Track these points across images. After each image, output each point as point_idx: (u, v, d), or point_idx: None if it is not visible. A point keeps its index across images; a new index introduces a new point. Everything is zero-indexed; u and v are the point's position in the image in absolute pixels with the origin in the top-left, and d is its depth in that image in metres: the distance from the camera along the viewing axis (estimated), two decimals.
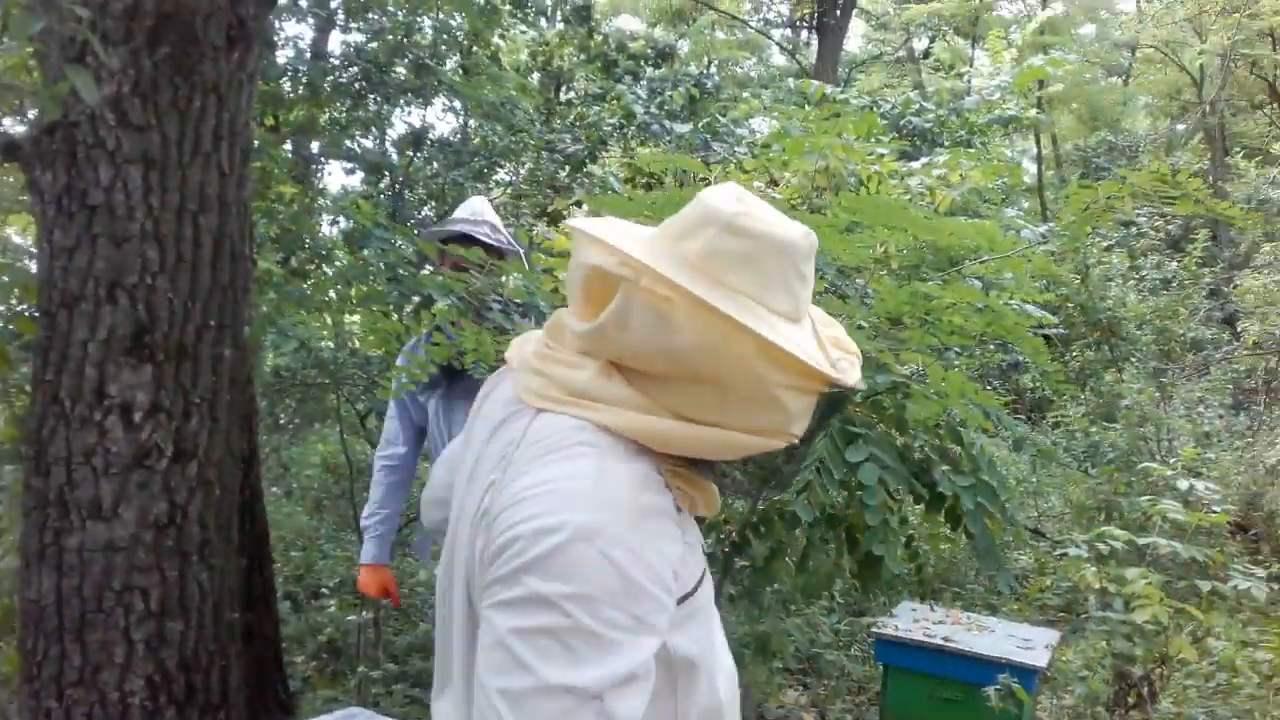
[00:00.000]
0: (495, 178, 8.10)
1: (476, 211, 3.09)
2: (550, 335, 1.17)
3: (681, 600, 1.11)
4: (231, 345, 1.99)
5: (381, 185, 7.31)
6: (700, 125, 4.74)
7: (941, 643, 3.35)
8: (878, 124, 3.40)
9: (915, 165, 4.15)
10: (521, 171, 8.28)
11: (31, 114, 2.31)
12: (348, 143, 6.10)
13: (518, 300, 2.67)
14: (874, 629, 3.66)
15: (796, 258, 1.10)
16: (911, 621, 3.62)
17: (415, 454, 3.29)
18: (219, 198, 1.95)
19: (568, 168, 6.86)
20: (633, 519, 1.05)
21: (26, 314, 2.03)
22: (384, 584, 3.23)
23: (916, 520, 3.06)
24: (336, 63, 5.20)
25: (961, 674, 3.27)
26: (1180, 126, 16.89)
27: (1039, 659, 3.27)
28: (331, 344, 4.91)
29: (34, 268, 1.95)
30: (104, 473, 1.84)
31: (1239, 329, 8.64)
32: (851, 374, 1.11)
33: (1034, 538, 6.78)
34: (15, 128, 2.36)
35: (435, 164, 6.16)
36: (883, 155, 3.74)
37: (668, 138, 5.08)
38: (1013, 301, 3.14)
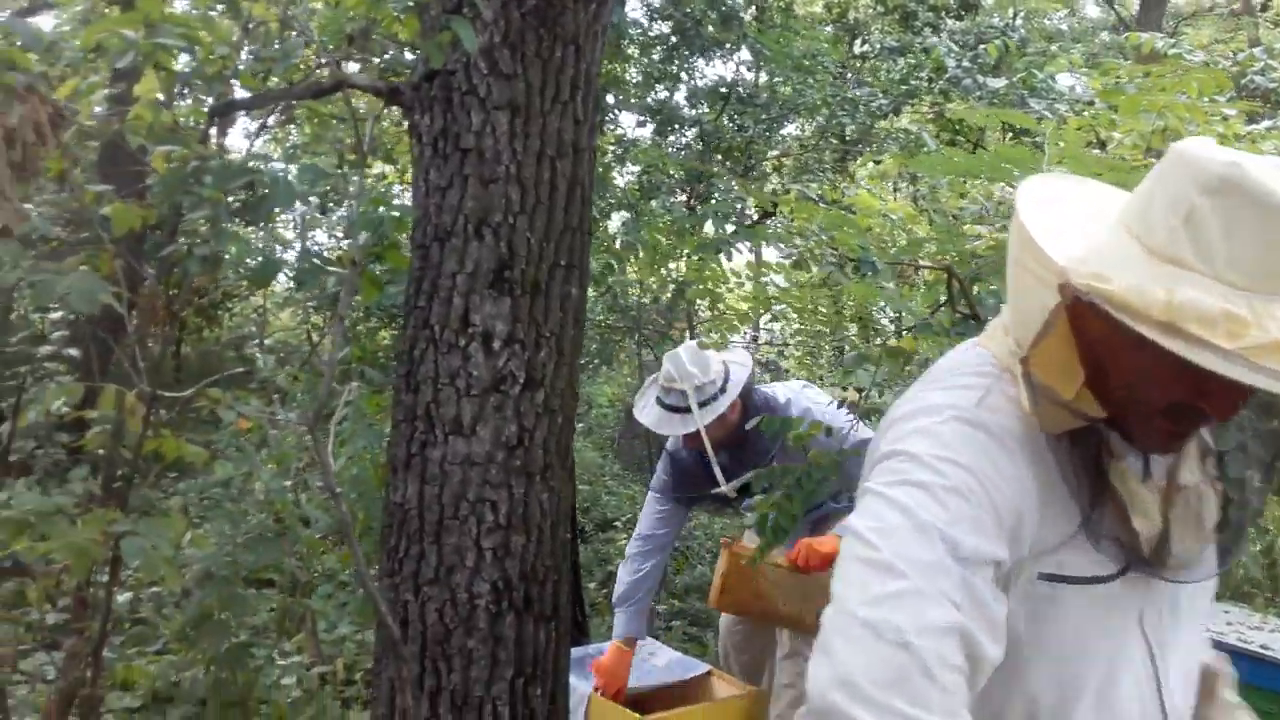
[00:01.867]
0: (784, 130, 8.10)
1: (679, 376, 3.25)
2: None
3: (1046, 579, 1.13)
4: (577, 284, 2.12)
5: (670, 139, 7.47)
6: (1016, 79, 4.54)
7: (1260, 650, 3.12)
8: (1226, 81, 3.13)
9: (1262, 127, 3.80)
10: (809, 127, 8.23)
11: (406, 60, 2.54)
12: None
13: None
14: None
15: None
16: (1225, 624, 3.39)
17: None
18: (573, 144, 2.07)
19: (860, 122, 6.75)
20: (1001, 437, 1.12)
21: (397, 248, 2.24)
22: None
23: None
24: (649, 15, 5.35)
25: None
26: None
27: None
28: (638, 290, 5.11)
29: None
30: (465, 394, 2.02)
31: None
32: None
33: None
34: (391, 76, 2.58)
35: (732, 117, 6.23)
36: (1228, 117, 3.45)
37: (979, 93, 4.90)
38: None
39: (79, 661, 2.51)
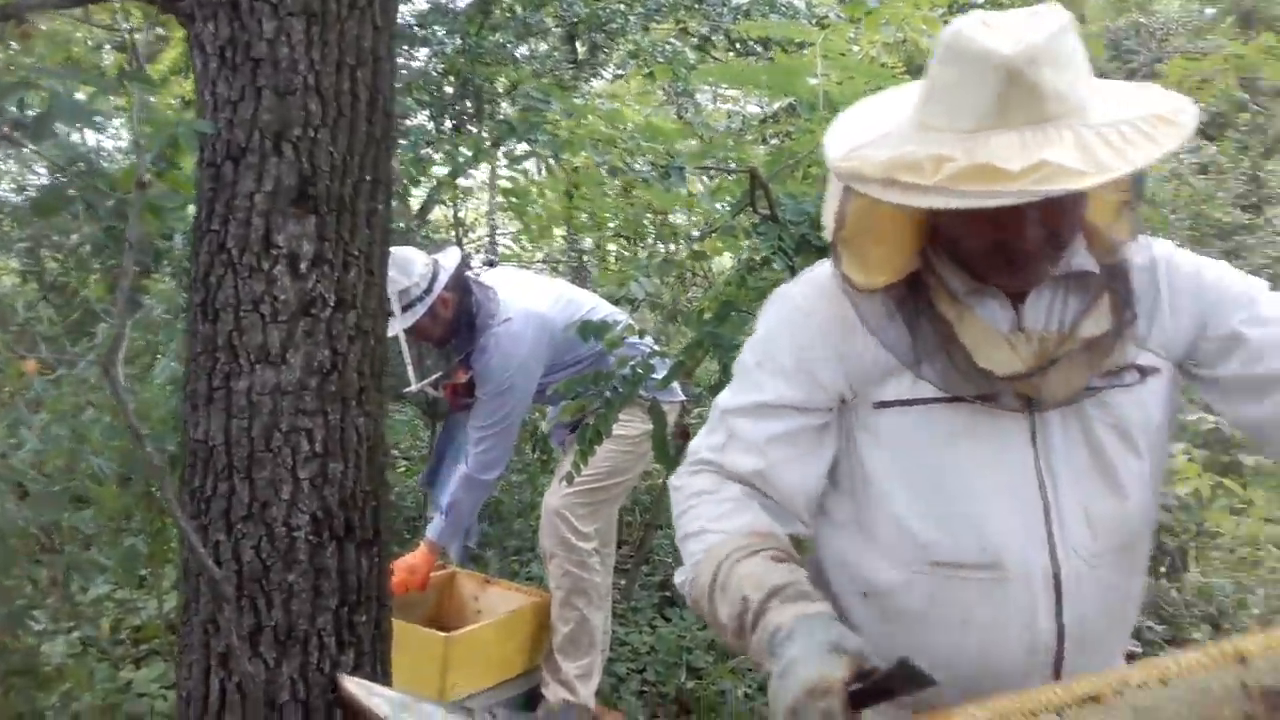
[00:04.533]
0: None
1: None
2: None
3: (887, 405, 1.38)
4: (384, 200, 2.05)
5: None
6: None
7: None
8: None
9: None
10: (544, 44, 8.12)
11: None
12: None
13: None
14: None
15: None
16: None
17: None
18: (372, 52, 1.98)
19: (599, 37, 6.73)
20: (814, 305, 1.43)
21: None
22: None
23: None
24: None
25: None
26: (1210, 11, 16.52)
27: None
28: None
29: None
30: (272, 320, 1.92)
31: (1267, 216, 8.65)
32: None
33: None
34: None
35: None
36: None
37: (723, 7, 5.03)
38: None
39: None
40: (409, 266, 3.41)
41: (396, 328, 3.36)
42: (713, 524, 1.37)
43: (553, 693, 3.57)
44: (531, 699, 3.66)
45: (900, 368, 1.36)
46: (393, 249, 3.49)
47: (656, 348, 3.23)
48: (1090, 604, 1.35)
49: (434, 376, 3.75)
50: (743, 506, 1.39)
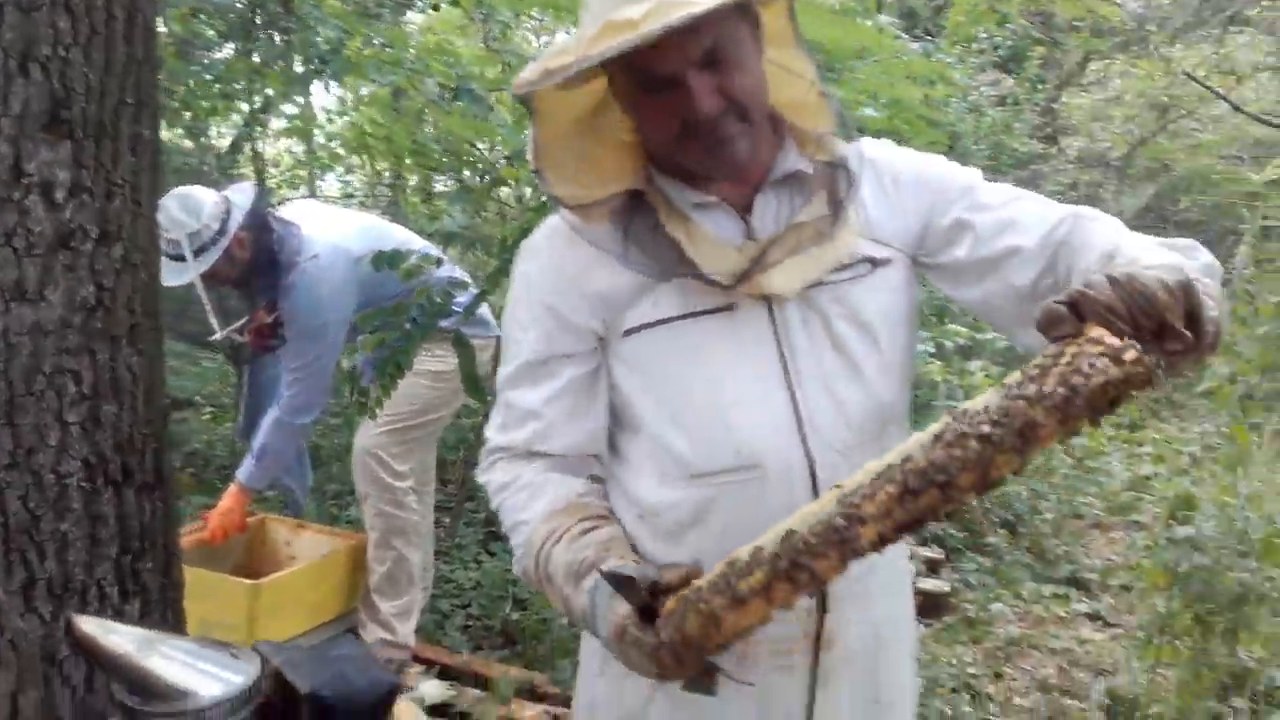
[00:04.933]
0: None
1: (169, 226, 3.20)
2: None
3: (632, 331, 1.41)
4: (149, 125, 1.93)
5: None
6: None
7: None
8: None
9: None
10: None
11: None
12: None
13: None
14: None
15: None
16: None
17: None
18: None
19: None
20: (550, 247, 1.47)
21: None
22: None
23: None
24: None
25: None
26: None
27: None
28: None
29: None
30: (26, 253, 1.79)
31: (1062, 146, 9.16)
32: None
33: None
34: None
35: None
36: None
37: None
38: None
39: None
40: (198, 208, 3.22)
41: (190, 274, 3.19)
42: (521, 515, 1.43)
43: (370, 633, 3.54)
44: None
45: (640, 294, 1.40)
46: (179, 189, 3.33)
47: (466, 279, 3.18)
48: None
49: (239, 323, 3.59)
50: (539, 489, 1.44)
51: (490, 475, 1.51)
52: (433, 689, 3.47)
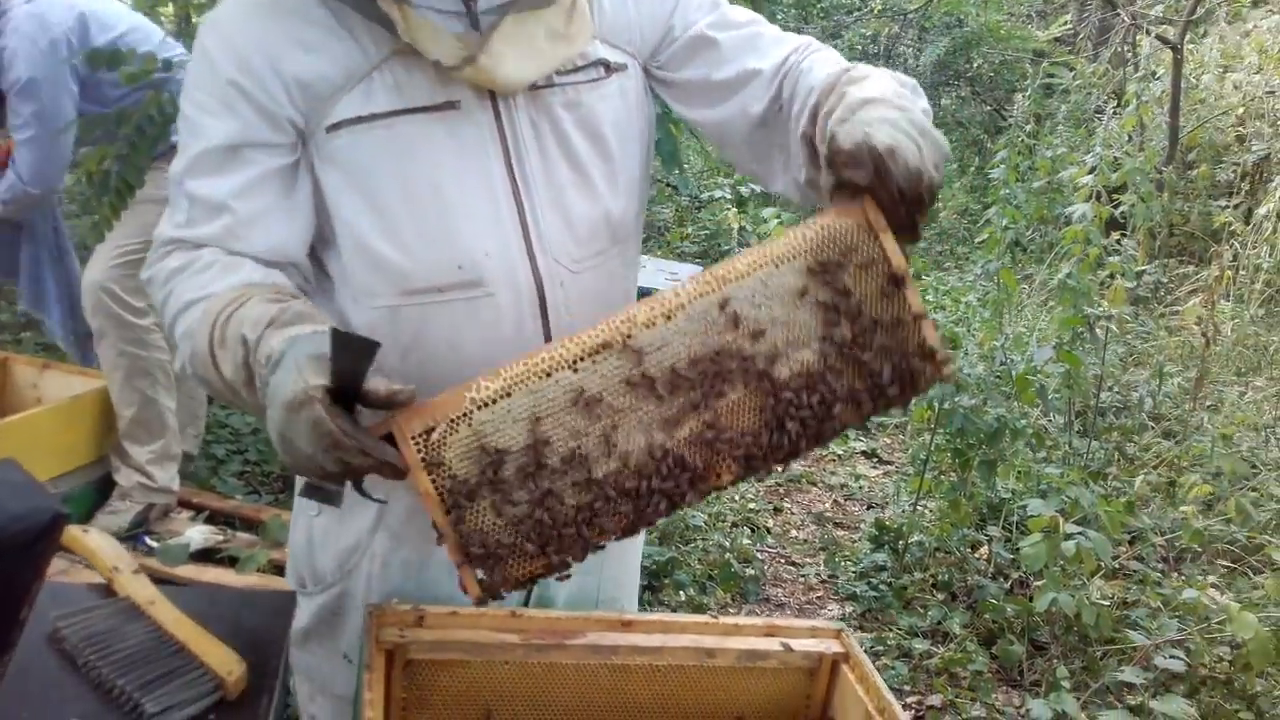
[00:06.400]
0: None
1: None
2: None
3: (339, 126, 1.24)
4: None
5: None
6: None
7: None
8: None
9: None
10: None
11: None
12: None
13: None
14: None
15: None
16: None
17: None
18: None
19: None
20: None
21: None
22: None
23: None
24: None
25: None
26: None
27: None
28: None
29: None
30: None
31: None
32: None
33: (674, 193, 7.19)
34: None
35: None
36: None
37: None
38: None
39: None
40: None
41: None
42: (201, 292, 1.19)
43: (125, 478, 3.34)
44: (106, 486, 3.41)
45: (349, 82, 1.23)
46: None
47: None
48: (577, 311, 1.33)
49: None
50: (232, 266, 1.22)
51: (161, 265, 1.25)
52: (199, 534, 3.32)
